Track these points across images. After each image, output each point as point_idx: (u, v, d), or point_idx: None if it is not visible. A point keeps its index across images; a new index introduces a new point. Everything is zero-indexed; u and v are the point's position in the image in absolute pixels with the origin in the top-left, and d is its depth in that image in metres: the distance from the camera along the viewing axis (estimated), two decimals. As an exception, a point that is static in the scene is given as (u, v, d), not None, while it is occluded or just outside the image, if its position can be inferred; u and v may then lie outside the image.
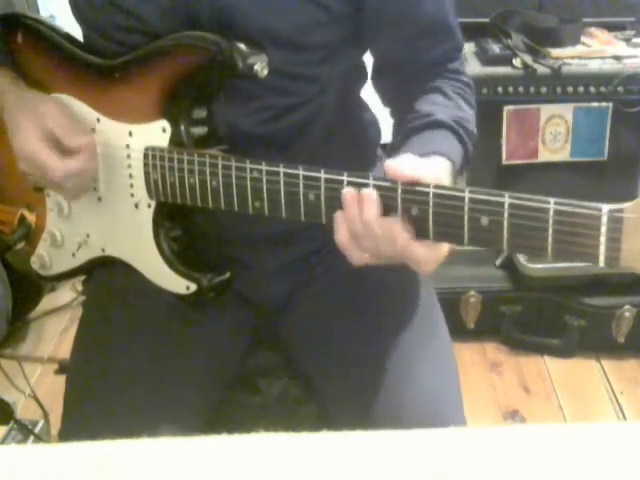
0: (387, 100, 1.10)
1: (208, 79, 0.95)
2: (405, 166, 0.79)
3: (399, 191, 0.79)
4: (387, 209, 0.80)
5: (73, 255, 1.09)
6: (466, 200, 0.74)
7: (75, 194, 1.03)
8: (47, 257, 1.12)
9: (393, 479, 0.67)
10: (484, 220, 0.74)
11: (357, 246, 0.83)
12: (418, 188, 0.78)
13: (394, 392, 0.95)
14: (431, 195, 0.77)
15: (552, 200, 0.70)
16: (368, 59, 1.12)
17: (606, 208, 0.67)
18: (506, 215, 0.72)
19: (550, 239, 0.70)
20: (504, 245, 0.73)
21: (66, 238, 1.09)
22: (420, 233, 0.79)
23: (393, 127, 1.06)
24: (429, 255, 0.80)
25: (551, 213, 0.70)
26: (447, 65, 1.05)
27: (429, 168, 0.83)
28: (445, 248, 0.82)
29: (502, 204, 0.72)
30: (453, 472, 0.67)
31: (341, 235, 0.83)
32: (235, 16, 0.94)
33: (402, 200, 0.79)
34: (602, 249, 0.68)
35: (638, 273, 0.68)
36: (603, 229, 0.68)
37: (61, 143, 0.97)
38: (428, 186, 0.77)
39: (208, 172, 0.91)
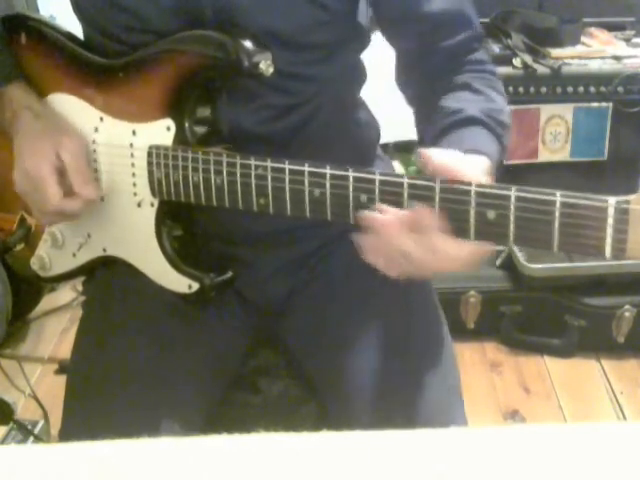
0: (411, 98, 1.08)
1: (213, 78, 0.95)
2: (455, 163, 0.77)
3: (405, 186, 0.79)
4: (394, 203, 0.80)
5: (74, 255, 1.09)
6: (472, 194, 0.74)
7: (50, 224, 1.06)
8: (47, 258, 1.12)
9: (393, 479, 0.67)
10: (491, 214, 0.74)
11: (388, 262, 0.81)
12: (424, 183, 0.77)
13: (394, 391, 0.95)
14: (437, 190, 0.77)
15: (558, 193, 0.70)
16: (367, 60, 1.12)
17: (613, 200, 0.68)
18: (512, 208, 0.72)
19: (557, 232, 0.71)
20: (510, 238, 0.74)
21: (67, 238, 1.09)
22: None
23: (418, 127, 1.04)
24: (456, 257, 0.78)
25: (557, 205, 0.70)
26: (468, 56, 1.03)
27: (471, 167, 0.80)
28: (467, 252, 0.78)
29: (508, 197, 0.73)
30: (453, 472, 0.67)
31: (373, 258, 0.81)
32: (237, 16, 0.94)
33: (408, 195, 0.78)
34: (608, 240, 0.68)
35: None
36: (610, 220, 0.68)
37: (69, 180, 0.97)
38: (434, 181, 0.77)
39: (212, 170, 0.91)
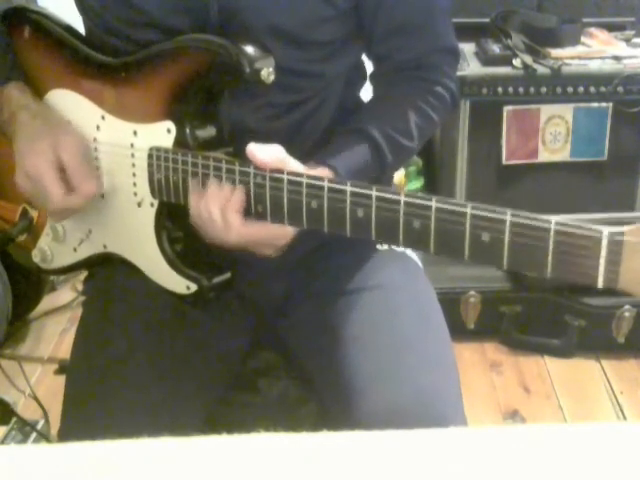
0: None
1: (214, 82, 0.95)
2: (272, 158, 0.87)
3: (401, 203, 0.79)
4: (390, 220, 0.80)
5: (74, 250, 1.10)
6: (468, 216, 0.75)
7: (59, 221, 1.06)
8: (48, 251, 1.13)
9: (393, 479, 0.67)
10: (485, 236, 0.74)
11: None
12: (420, 201, 0.78)
13: (394, 392, 0.95)
14: (433, 209, 0.77)
15: (553, 220, 0.70)
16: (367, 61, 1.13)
17: (606, 231, 0.67)
18: (507, 233, 0.72)
19: (550, 258, 0.71)
20: (504, 262, 0.74)
21: (68, 233, 1.10)
22: (421, 246, 0.79)
23: None
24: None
25: (552, 233, 0.70)
26: (423, 72, 1.05)
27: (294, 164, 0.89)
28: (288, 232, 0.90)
29: (504, 222, 0.72)
30: (453, 472, 0.67)
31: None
32: (243, 12, 0.94)
33: (404, 213, 0.79)
34: (601, 270, 0.68)
35: (635, 296, 0.68)
36: (603, 252, 0.68)
37: (69, 177, 0.98)
38: (430, 200, 0.77)
39: (211, 175, 0.91)
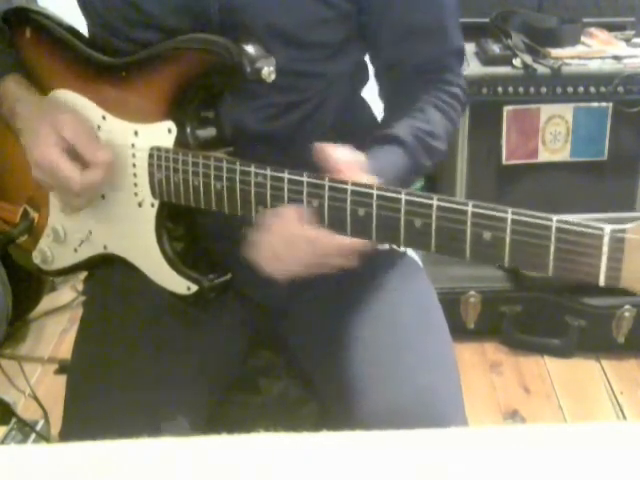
0: (381, 95, 1.12)
1: (215, 82, 0.95)
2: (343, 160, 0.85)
3: (402, 202, 0.79)
4: (391, 219, 0.80)
5: (75, 251, 1.10)
6: (469, 214, 0.74)
7: (84, 205, 1.03)
8: (49, 252, 1.13)
9: (393, 479, 0.67)
10: (486, 235, 0.74)
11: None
12: (421, 200, 0.77)
13: (394, 392, 0.95)
14: (434, 208, 0.77)
15: (554, 218, 0.70)
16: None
17: (608, 228, 0.67)
18: (508, 231, 0.72)
19: (552, 256, 0.70)
20: (506, 260, 0.73)
21: (68, 234, 1.09)
22: (422, 245, 0.79)
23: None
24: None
25: (553, 231, 0.70)
26: (438, 74, 1.05)
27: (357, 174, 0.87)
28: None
29: (505, 220, 0.72)
30: (453, 472, 0.67)
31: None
32: (243, 12, 0.95)
33: (405, 212, 0.78)
34: (603, 268, 0.68)
35: (637, 294, 0.68)
36: (605, 249, 0.67)
37: (79, 154, 0.97)
38: (432, 198, 0.77)
39: (212, 175, 0.91)
